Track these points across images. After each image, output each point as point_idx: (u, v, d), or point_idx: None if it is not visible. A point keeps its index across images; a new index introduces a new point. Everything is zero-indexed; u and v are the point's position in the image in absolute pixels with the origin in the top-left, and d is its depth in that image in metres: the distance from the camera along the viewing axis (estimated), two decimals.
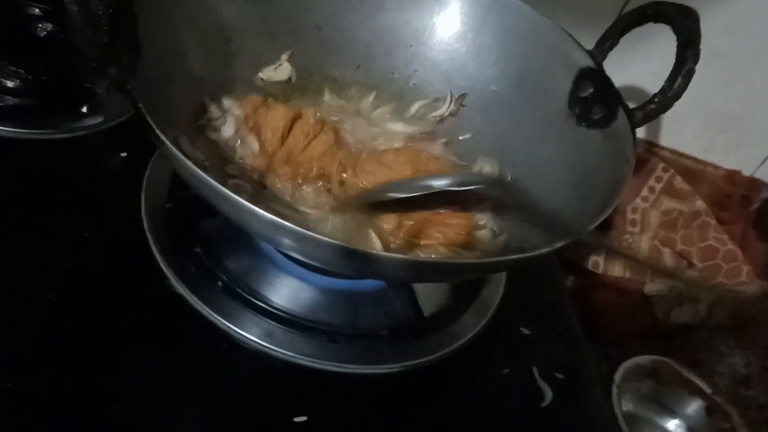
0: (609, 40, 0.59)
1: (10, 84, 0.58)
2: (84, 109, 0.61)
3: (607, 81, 0.57)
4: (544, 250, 0.42)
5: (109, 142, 0.60)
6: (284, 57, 0.64)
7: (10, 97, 0.58)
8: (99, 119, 0.61)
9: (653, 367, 0.73)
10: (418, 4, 0.65)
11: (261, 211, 0.37)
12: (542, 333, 0.61)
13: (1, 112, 0.57)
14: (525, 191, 0.57)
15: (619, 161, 0.52)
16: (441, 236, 0.53)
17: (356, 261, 0.41)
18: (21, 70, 0.58)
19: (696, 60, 0.51)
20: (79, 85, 0.60)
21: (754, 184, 0.90)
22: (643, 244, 0.78)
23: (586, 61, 0.59)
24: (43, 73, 0.60)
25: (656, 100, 0.53)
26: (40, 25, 0.63)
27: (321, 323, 0.52)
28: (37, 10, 0.63)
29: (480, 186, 0.52)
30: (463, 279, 0.59)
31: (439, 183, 0.50)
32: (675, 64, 0.52)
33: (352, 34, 0.65)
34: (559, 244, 0.43)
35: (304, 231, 0.37)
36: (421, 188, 0.50)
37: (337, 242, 0.38)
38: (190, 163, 0.38)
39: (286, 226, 0.37)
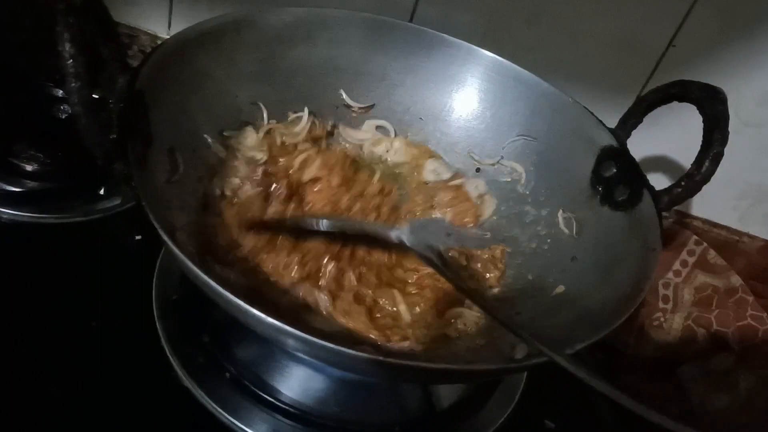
0: (632, 119, 0.57)
1: (29, 168, 0.59)
2: (101, 191, 0.61)
3: (631, 161, 0.55)
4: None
5: (125, 224, 0.60)
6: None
7: (29, 181, 0.59)
8: (116, 201, 0.61)
9: None
10: (437, 83, 0.65)
11: (262, 315, 0.35)
12: (568, 426, 0.57)
13: (19, 198, 0.58)
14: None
15: (646, 249, 0.49)
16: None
17: (360, 365, 0.39)
18: (40, 154, 0.59)
19: (724, 143, 0.49)
20: (98, 167, 0.60)
21: None
22: (676, 324, 0.74)
23: (609, 140, 0.57)
24: (62, 156, 0.60)
25: (683, 183, 0.51)
26: (62, 107, 0.64)
27: (330, 418, 0.50)
28: (60, 93, 0.64)
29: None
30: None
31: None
32: (702, 147, 0.50)
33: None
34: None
35: (307, 335, 0.35)
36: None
37: (341, 348, 0.36)
38: (188, 261, 0.37)
39: (289, 330, 0.35)
